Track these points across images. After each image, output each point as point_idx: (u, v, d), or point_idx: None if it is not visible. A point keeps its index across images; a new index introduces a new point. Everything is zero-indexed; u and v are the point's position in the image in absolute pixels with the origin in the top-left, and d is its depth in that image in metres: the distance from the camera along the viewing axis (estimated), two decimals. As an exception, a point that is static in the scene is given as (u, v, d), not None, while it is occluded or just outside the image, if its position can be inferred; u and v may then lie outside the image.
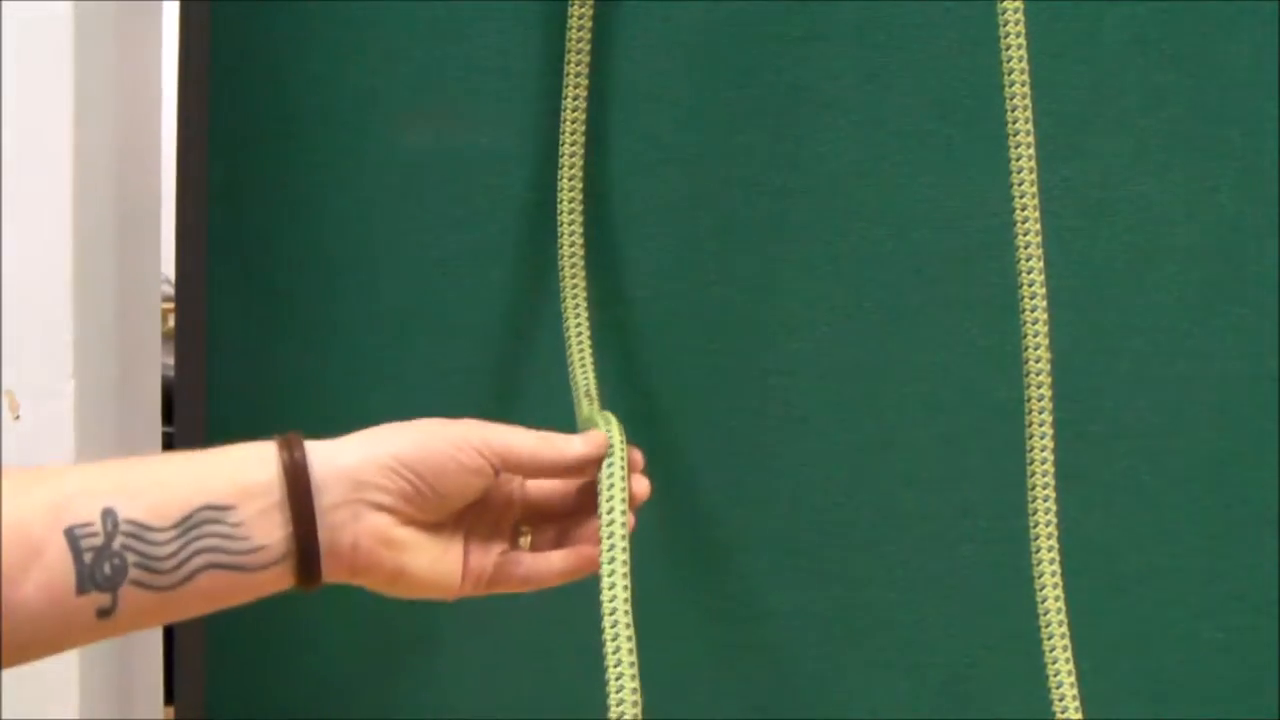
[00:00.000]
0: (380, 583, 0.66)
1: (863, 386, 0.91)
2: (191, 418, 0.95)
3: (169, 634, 0.99)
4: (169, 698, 1.00)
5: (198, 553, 0.60)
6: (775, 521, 0.93)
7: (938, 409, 0.90)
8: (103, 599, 0.58)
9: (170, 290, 0.95)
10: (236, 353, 0.94)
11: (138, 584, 0.59)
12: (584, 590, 0.92)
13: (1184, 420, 0.89)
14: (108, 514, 0.58)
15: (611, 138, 0.90)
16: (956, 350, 0.90)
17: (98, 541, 0.58)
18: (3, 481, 0.58)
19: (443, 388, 0.93)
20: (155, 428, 0.97)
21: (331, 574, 0.63)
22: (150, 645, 0.98)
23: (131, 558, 0.58)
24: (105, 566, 0.58)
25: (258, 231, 0.93)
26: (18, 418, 0.85)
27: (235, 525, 0.60)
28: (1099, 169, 0.88)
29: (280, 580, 0.62)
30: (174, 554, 0.59)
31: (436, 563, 0.66)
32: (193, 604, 0.61)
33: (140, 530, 0.59)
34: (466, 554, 0.68)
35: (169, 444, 0.98)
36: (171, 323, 0.95)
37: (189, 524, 0.60)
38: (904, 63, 0.88)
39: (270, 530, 0.61)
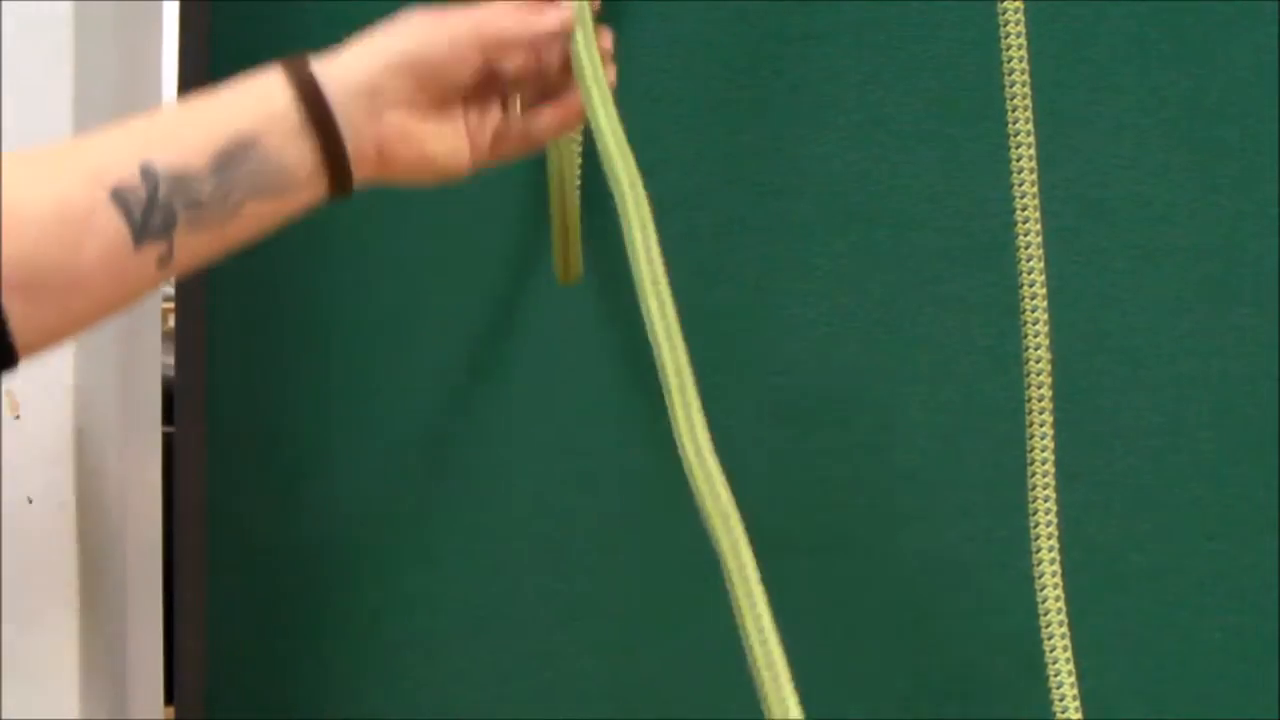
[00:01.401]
0: (401, 174, 0.71)
1: (863, 386, 0.91)
2: (191, 418, 0.95)
3: (169, 634, 0.99)
4: (169, 698, 1.00)
5: (237, 186, 0.64)
6: (775, 522, 0.92)
7: (938, 409, 0.90)
8: (160, 247, 0.62)
9: (170, 290, 0.95)
10: (236, 353, 0.94)
11: (190, 225, 0.63)
12: (583, 590, 0.92)
13: (1184, 420, 0.89)
14: (146, 170, 0.61)
15: (611, 138, 0.90)
16: (956, 350, 0.90)
17: (143, 196, 0.61)
18: (33, 163, 0.60)
19: (443, 388, 0.93)
20: (155, 428, 0.97)
21: (360, 178, 0.69)
22: (150, 645, 0.98)
23: (179, 203, 0.62)
24: (156, 217, 0.62)
25: (258, 231, 0.93)
26: (18, 417, 0.85)
27: (266, 154, 0.64)
28: (1099, 169, 0.88)
29: (316, 193, 0.67)
30: (217, 192, 0.63)
31: (448, 145, 0.72)
32: (241, 234, 0.65)
33: (180, 176, 0.62)
34: (469, 131, 0.73)
35: (169, 444, 0.98)
36: (171, 323, 0.95)
37: (223, 161, 0.63)
38: (904, 63, 0.88)
39: (300, 152, 0.66)
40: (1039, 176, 0.78)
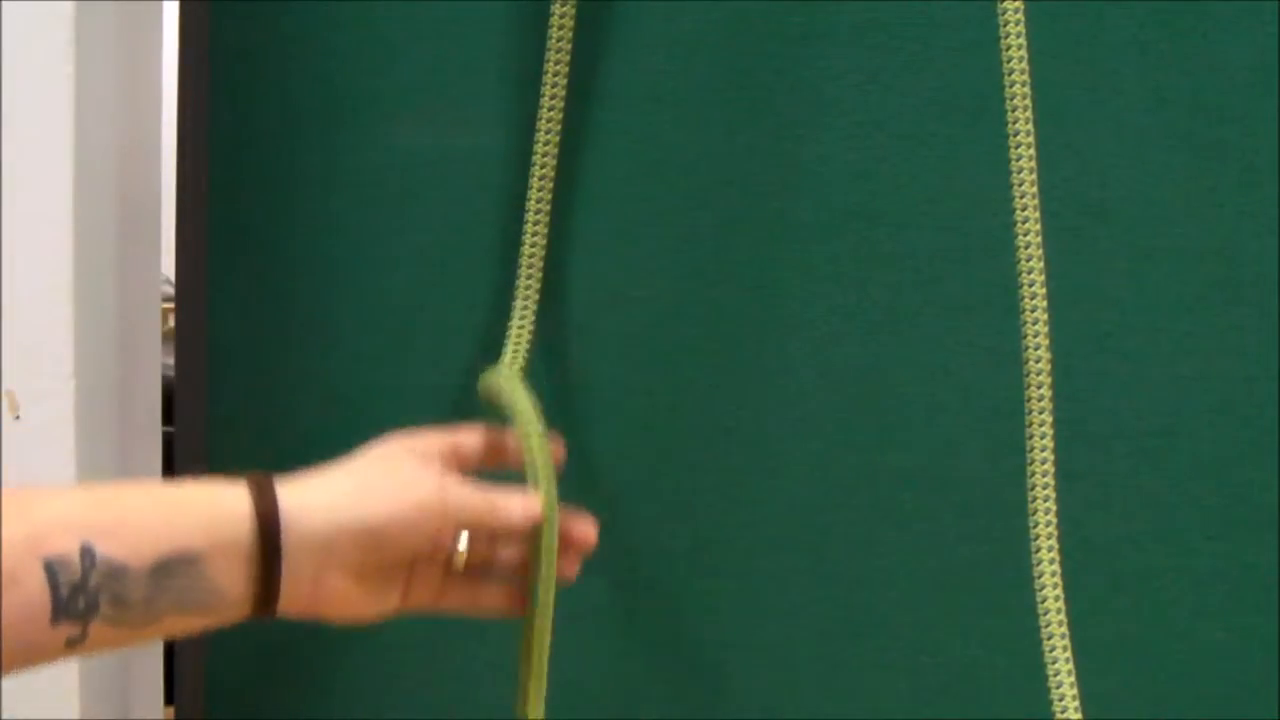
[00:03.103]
0: (324, 618, 0.70)
1: (863, 386, 0.91)
2: (191, 418, 0.95)
3: (169, 634, 0.99)
4: (169, 698, 1.00)
5: (167, 597, 0.62)
6: (775, 521, 0.93)
7: (938, 409, 0.90)
8: (73, 630, 0.60)
9: (170, 290, 0.95)
10: (236, 353, 0.94)
11: (108, 620, 0.61)
12: (583, 590, 0.92)
13: (1184, 420, 0.89)
14: (86, 551, 0.60)
15: (612, 138, 0.90)
16: (956, 350, 0.90)
17: (75, 578, 0.60)
18: None
19: (443, 388, 0.93)
20: (155, 428, 0.97)
21: (285, 613, 0.68)
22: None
23: (105, 596, 0.60)
24: (80, 601, 0.60)
25: (258, 231, 0.93)
26: (18, 418, 0.85)
27: (204, 575, 0.63)
28: (1099, 169, 0.88)
29: (237, 615, 0.66)
30: (145, 597, 0.62)
31: (378, 603, 0.71)
32: (153, 638, 0.64)
33: (116, 571, 0.61)
34: (405, 585, 0.73)
35: (169, 444, 0.98)
36: (171, 323, 0.95)
37: (161, 569, 0.62)
38: (904, 63, 0.88)
39: (236, 582, 0.64)
40: (1039, 176, 0.78)
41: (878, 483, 0.92)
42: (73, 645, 0.60)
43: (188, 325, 0.94)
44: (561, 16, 0.86)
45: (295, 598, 0.67)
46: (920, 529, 0.92)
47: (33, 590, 0.59)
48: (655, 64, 0.90)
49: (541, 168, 0.88)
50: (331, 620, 0.70)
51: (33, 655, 0.60)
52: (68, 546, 0.60)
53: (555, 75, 0.86)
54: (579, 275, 0.91)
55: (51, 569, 0.59)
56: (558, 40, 0.86)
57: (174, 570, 0.62)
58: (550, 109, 0.87)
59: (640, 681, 0.95)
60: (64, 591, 0.59)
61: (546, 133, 0.88)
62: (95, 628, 0.60)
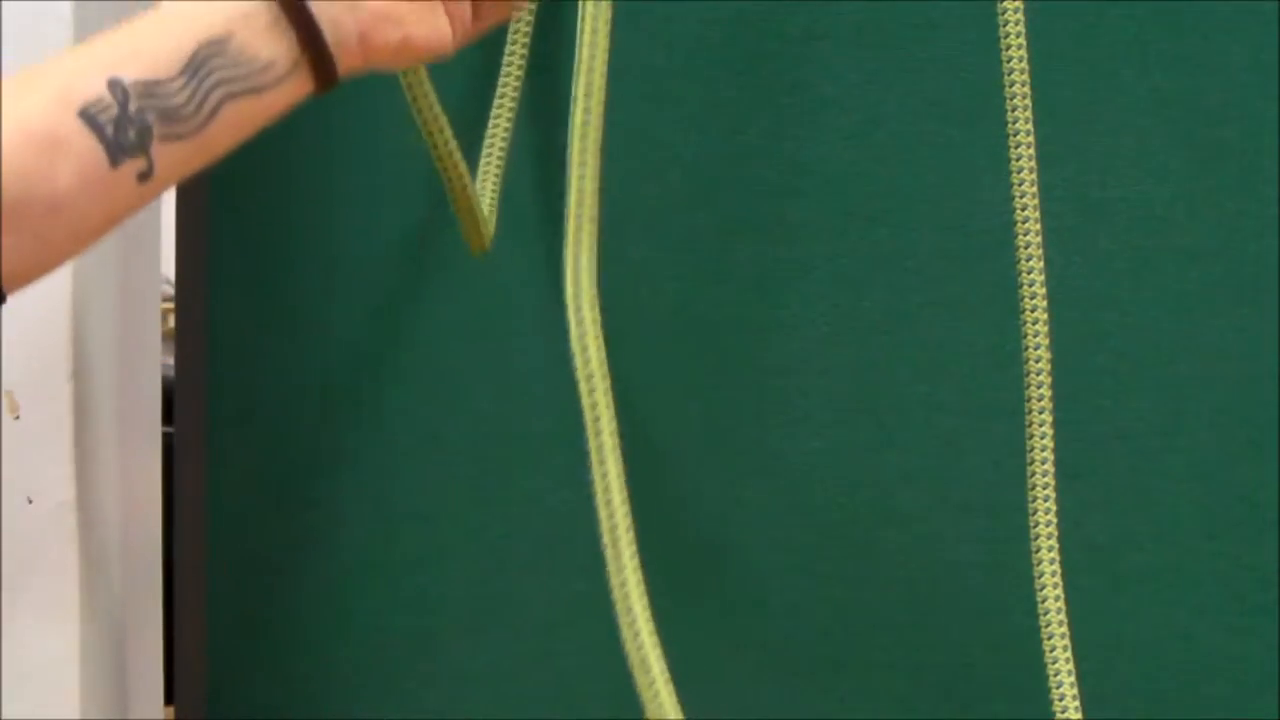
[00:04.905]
0: (387, 59, 0.67)
1: (863, 386, 0.91)
2: (191, 418, 0.95)
3: (169, 634, 0.99)
4: (169, 698, 1.00)
5: (213, 88, 0.61)
6: (775, 521, 0.93)
7: (938, 409, 0.90)
8: (139, 163, 0.59)
9: (170, 290, 0.95)
10: (236, 353, 0.94)
11: (166, 137, 0.60)
12: (583, 590, 0.92)
13: (1184, 420, 0.89)
14: (114, 84, 0.59)
15: (611, 137, 0.90)
16: (956, 350, 0.90)
17: (114, 112, 0.58)
18: (2, 91, 0.58)
19: (443, 388, 0.93)
20: (155, 428, 0.97)
21: (345, 68, 0.65)
22: (150, 645, 0.98)
23: (152, 115, 0.59)
24: (130, 132, 0.59)
25: (258, 231, 0.93)
26: (18, 418, 0.85)
27: (240, 50, 0.61)
28: (1099, 169, 0.88)
29: (299, 89, 0.64)
30: (191, 98, 0.60)
31: (431, 25, 0.68)
32: (222, 140, 0.62)
33: (151, 87, 0.59)
34: (446, 6, 0.69)
35: (169, 444, 0.98)
36: (171, 323, 0.96)
37: (194, 65, 0.60)
38: (904, 63, 0.88)
39: (275, 45, 0.62)
40: (1039, 176, 0.78)
41: (878, 483, 0.92)
42: (145, 179, 0.59)
43: (188, 325, 0.94)
44: (528, 13, 0.86)
45: (345, 42, 0.64)
46: (920, 529, 0.92)
47: (80, 143, 0.58)
48: (655, 64, 0.90)
49: (496, 166, 0.87)
50: (393, 59, 0.68)
51: (112, 205, 0.59)
52: (95, 89, 0.59)
53: (507, 67, 0.86)
54: (579, 275, 0.91)
55: (88, 114, 0.58)
56: (521, 36, 0.86)
57: (207, 60, 0.60)
58: (510, 108, 0.87)
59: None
60: (109, 130, 0.58)
61: (505, 132, 0.87)
62: (158, 150, 0.59)
